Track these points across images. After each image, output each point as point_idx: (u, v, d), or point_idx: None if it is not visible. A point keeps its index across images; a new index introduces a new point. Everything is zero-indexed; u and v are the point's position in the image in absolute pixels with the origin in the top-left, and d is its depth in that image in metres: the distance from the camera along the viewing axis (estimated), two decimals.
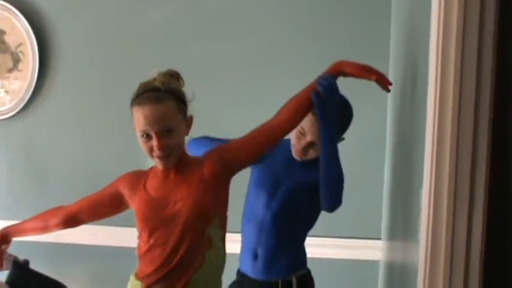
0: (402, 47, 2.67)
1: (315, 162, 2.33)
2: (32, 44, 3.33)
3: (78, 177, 3.34)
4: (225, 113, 3.17)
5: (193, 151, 2.24)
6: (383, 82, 2.08)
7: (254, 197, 2.44)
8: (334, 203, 2.24)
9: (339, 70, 2.09)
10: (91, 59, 3.37)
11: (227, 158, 2.05)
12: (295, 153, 2.37)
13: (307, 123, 2.26)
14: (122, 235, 3.12)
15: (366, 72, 2.07)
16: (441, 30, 1.67)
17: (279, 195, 2.39)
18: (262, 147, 2.09)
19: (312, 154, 2.34)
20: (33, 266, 2.42)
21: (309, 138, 2.30)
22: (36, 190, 3.43)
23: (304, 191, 2.36)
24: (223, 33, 3.25)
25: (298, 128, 2.28)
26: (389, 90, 2.10)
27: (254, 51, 3.23)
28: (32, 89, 3.36)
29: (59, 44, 3.37)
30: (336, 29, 3.18)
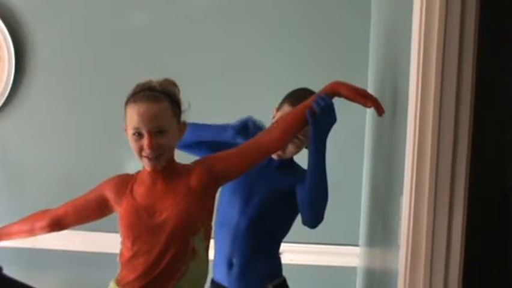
0: (382, 55, 2.69)
1: (292, 167, 2.32)
2: (8, 47, 3.28)
3: (54, 182, 3.30)
4: (207, 115, 3.16)
5: (189, 139, 2.21)
6: (378, 108, 2.06)
7: (228, 202, 2.39)
8: (317, 220, 2.25)
9: (335, 91, 2.07)
10: (68, 63, 3.33)
11: (215, 169, 2.04)
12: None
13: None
14: (99, 240, 3.10)
15: (362, 97, 2.05)
16: (422, 39, 1.69)
17: (255, 201, 2.35)
18: (251, 163, 2.08)
19: (291, 150, 2.30)
20: (8, 272, 2.38)
21: None
22: (11, 195, 3.38)
23: (281, 196, 2.34)
24: (204, 36, 3.24)
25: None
26: (381, 115, 2.08)
27: (235, 54, 3.23)
28: (7, 93, 3.31)
29: (36, 48, 3.33)
30: (316, 38, 3.19)
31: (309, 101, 2.07)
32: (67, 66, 3.34)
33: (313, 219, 2.25)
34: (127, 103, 1.98)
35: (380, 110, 2.06)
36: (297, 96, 2.27)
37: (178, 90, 2.04)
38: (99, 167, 3.16)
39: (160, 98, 1.95)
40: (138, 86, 1.99)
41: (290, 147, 2.29)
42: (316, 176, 2.17)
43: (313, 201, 2.20)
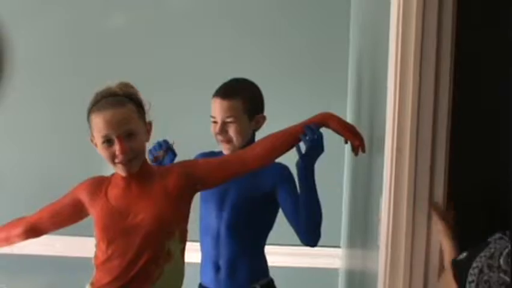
0: (361, 53, 2.70)
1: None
2: None
3: (33, 183, 3.27)
4: (181, 118, 3.15)
5: None
6: (361, 147, 2.08)
7: (205, 209, 2.43)
8: (318, 238, 2.31)
9: (324, 123, 2.09)
10: (47, 64, 3.31)
11: (194, 175, 2.04)
12: (223, 147, 2.36)
13: (213, 111, 2.33)
14: (80, 245, 3.07)
15: (351, 133, 2.08)
16: (400, 38, 1.69)
17: (228, 205, 2.38)
18: (231, 175, 2.10)
19: (231, 133, 2.32)
20: None
21: (219, 119, 2.32)
22: None
23: (253, 198, 2.36)
24: (185, 38, 3.25)
25: (212, 122, 2.34)
26: (356, 154, 2.10)
27: (211, 56, 3.23)
28: None
29: (13, 50, 3.30)
30: (294, 37, 3.21)
31: (298, 126, 2.09)
32: (45, 67, 3.32)
33: (315, 239, 2.31)
34: (90, 113, 1.96)
35: (362, 149, 2.07)
36: (224, 88, 2.35)
37: (137, 91, 2.04)
38: (78, 167, 3.14)
39: (123, 102, 1.95)
40: (98, 94, 1.98)
41: (230, 132, 2.33)
42: (310, 202, 2.24)
43: (312, 225, 2.27)
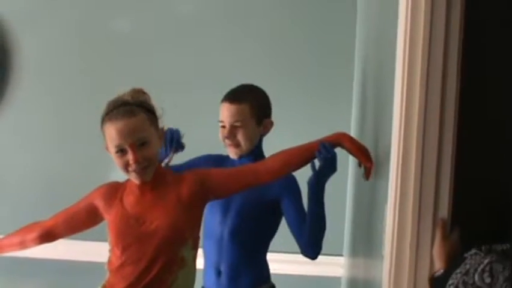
0: (370, 46, 2.69)
1: None
2: None
3: (41, 188, 3.28)
4: (190, 122, 3.14)
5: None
6: (369, 172, 2.11)
7: (209, 214, 2.44)
8: (318, 250, 2.35)
9: (339, 142, 2.13)
10: (52, 70, 3.33)
11: (207, 184, 2.06)
12: (230, 151, 2.38)
13: (221, 115, 2.35)
14: (83, 249, 3.07)
15: (364, 155, 2.11)
16: (407, 43, 1.69)
17: (232, 211, 2.40)
18: (243, 186, 2.12)
19: (239, 138, 2.35)
20: None
21: (227, 123, 2.35)
22: None
23: (258, 205, 2.38)
24: (190, 42, 3.26)
25: (220, 126, 2.36)
26: (367, 179, 2.14)
27: (220, 61, 3.24)
28: None
29: (20, 53, 3.32)
30: (301, 45, 3.22)
31: (314, 143, 2.12)
32: (50, 71, 3.34)
33: (316, 252, 2.35)
34: (103, 123, 1.98)
35: (369, 176, 2.10)
36: (232, 93, 2.37)
37: (149, 98, 2.05)
38: (84, 169, 3.16)
39: (135, 111, 1.95)
40: (110, 104, 1.99)
41: (239, 137, 2.35)
42: (317, 219, 2.27)
43: (316, 238, 2.31)
